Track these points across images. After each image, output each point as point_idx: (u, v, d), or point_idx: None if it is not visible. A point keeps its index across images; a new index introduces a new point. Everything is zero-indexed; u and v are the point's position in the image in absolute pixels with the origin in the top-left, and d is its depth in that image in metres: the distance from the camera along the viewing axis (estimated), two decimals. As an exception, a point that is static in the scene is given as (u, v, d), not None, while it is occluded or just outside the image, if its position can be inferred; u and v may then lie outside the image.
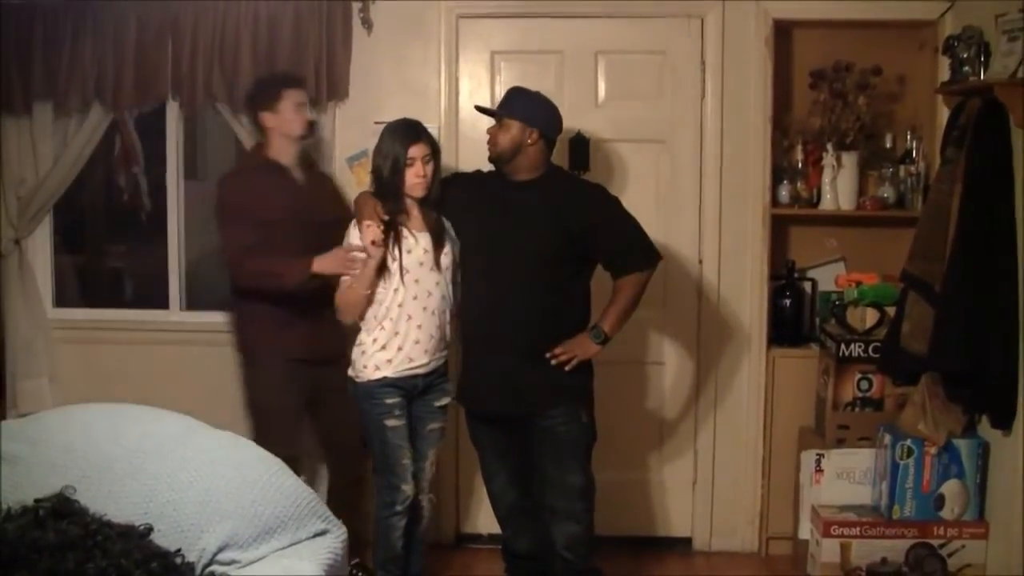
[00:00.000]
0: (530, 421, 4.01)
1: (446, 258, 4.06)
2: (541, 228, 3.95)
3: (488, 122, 4.18)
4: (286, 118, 4.42)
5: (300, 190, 4.47)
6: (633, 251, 4.03)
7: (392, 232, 3.98)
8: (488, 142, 4.09)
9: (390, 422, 4.02)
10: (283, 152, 4.43)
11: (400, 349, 4.02)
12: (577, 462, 4.02)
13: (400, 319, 4.01)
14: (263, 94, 4.49)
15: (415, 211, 4.05)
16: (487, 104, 4.99)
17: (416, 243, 4.01)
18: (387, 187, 4.01)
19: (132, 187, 6.17)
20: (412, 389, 4.08)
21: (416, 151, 3.99)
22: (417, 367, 4.05)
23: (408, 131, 4.05)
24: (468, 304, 4.14)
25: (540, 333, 3.96)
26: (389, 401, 4.03)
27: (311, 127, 4.51)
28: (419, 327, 4.02)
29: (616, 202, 4.09)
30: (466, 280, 4.15)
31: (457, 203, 4.16)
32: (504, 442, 4.15)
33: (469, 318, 4.13)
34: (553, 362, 3.93)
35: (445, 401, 4.21)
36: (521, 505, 4.21)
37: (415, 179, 4.00)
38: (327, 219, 4.33)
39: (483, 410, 4.17)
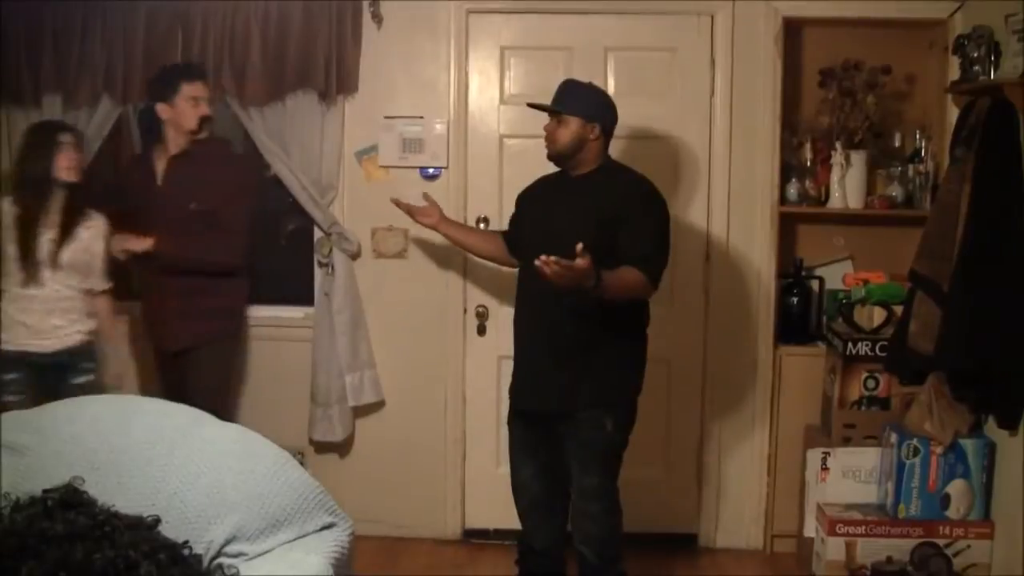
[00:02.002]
0: (558, 420, 4.01)
1: (69, 255, 4.29)
2: (577, 224, 3.83)
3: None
4: (180, 111, 4.43)
5: (160, 185, 4.54)
6: (638, 258, 3.80)
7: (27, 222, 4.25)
8: (545, 139, 4.00)
9: (6, 397, 4.19)
10: (174, 144, 4.44)
11: (9, 329, 4.25)
12: (595, 465, 4.00)
13: (13, 302, 4.27)
14: (160, 84, 4.50)
15: (55, 206, 4.28)
16: (497, 101, 5.02)
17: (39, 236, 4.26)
18: (32, 183, 4.29)
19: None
20: (34, 366, 4.30)
21: (66, 137, 4.31)
22: (29, 345, 4.29)
23: (51, 126, 4.41)
24: (517, 300, 4.16)
25: (574, 333, 3.90)
26: (5, 377, 4.26)
27: (204, 122, 4.47)
28: (25, 311, 4.27)
29: (654, 205, 3.95)
30: (517, 280, 4.18)
31: (520, 215, 4.24)
32: (534, 438, 4.14)
33: (516, 315, 4.16)
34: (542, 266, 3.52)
35: (82, 379, 4.37)
36: (541, 502, 4.20)
37: (67, 164, 4.31)
38: (185, 214, 4.40)
39: (516, 405, 4.17)
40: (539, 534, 4.24)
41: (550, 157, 4.02)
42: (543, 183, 4.20)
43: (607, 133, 4.00)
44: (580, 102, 3.97)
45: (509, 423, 4.24)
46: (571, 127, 3.93)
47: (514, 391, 4.19)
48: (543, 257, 3.41)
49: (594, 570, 4.07)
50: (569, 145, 3.94)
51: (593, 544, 4.04)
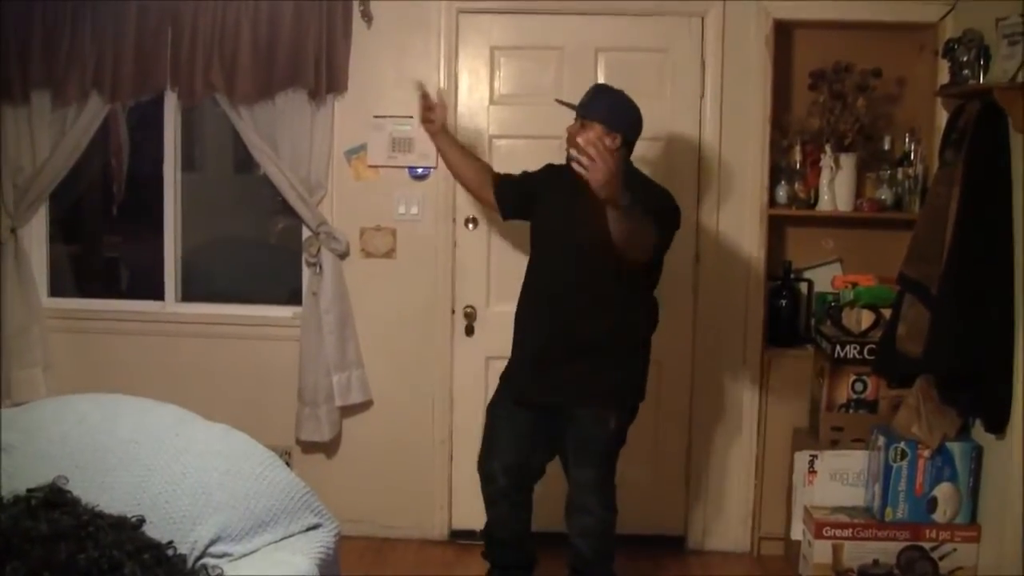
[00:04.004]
0: (560, 414, 4.00)
1: None
2: (587, 225, 3.77)
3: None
4: None
5: None
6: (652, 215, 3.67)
7: None
8: (567, 140, 3.95)
9: None
10: None
11: None
12: (596, 460, 4.02)
13: None
14: None
15: None
16: (486, 101, 5.01)
17: None
18: None
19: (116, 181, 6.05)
20: None
21: None
22: None
23: None
24: (523, 291, 4.15)
25: (590, 329, 3.91)
26: None
27: None
28: None
29: (668, 203, 3.94)
30: (528, 268, 4.17)
31: (536, 192, 4.19)
32: (524, 429, 4.12)
33: (524, 307, 4.15)
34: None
35: None
36: (508, 494, 4.22)
37: None
38: None
39: (516, 396, 4.13)
40: (503, 524, 4.26)
41: (568, 160, 3.92)
42: (561, 175, 4.02)
43: (628, 144, 3.99)
44: (606, 110, 3.92)
45: (495, 408, 4.23)
46: (593, 134, 3.78)
47: (515, 380, 4.16)
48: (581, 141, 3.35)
49: (588, 564, 4.08)
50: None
51: (590, 538, 4.05)
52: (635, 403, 4.08)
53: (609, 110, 3.93)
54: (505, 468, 4.18)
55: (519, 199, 4.27)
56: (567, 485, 4.13)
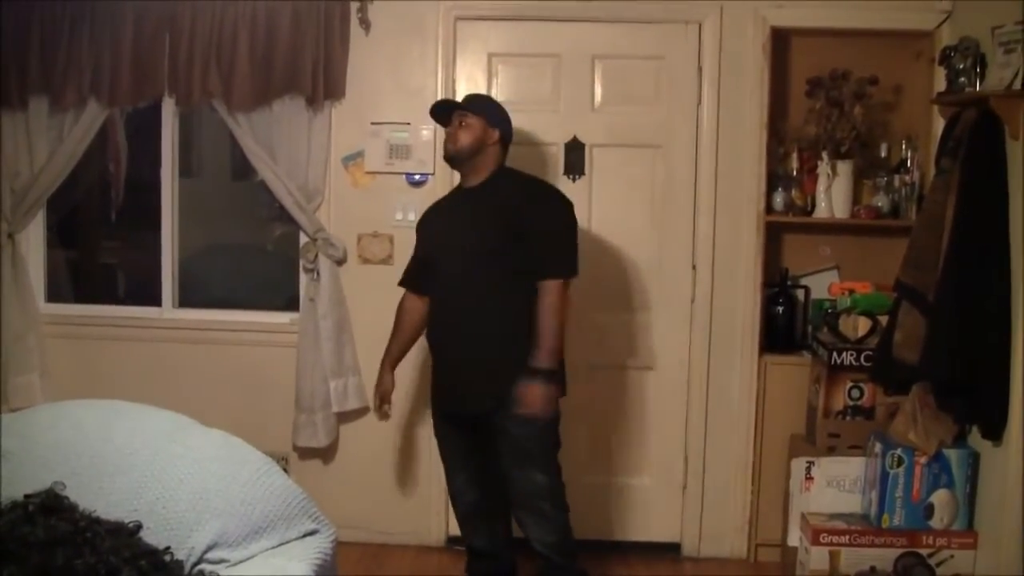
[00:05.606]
0: (486, 420, 4.02)
1: None
2: (480, 228, 3.95)
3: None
4: None
5: None
6: (551, 256, 3.93)
7: None
8: (446, 139, 4.11)
9: None
10: None
11: None
12: (534, 463, 4.02)
13: None
14: None
15: None
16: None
17: None
18: None
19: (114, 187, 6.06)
20: None
21: None
22: None
23: None
24: (430, 316, 4.21)
25: (484, 335, 3.96)
26: None
27: None
28: None
29: (560, 207, 4.04)
30: (433, 292, 4.20)
31: (424, 241, 4.27)
32: (464, 441, 4.19)
33: (431, 330, 4.22)
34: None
35: None
36: (478, 506, 4.25)
37: None
38: None
39: (441, 409, 4.23)
40: (480, 538, 4.28)
41: (446, 157, 4.14)
42: (439, 204, 4.30)
43: (504, 142, 4.10)
44: (484, 106, 4.11)
45: (436, 430, 4.30)
46: (474, 129, 4.02)
47: (436, 394, 4.24)
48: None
49: (558, 568, 4.08)
50: (469, 147, 4.03)
51: (552, 544, 4.06)
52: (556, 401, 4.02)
53: (487, 107, 4.12)
54: (467, 482, 4.23)
55: (425, 269, 4.27)
56: (505, 490, 4.12)
